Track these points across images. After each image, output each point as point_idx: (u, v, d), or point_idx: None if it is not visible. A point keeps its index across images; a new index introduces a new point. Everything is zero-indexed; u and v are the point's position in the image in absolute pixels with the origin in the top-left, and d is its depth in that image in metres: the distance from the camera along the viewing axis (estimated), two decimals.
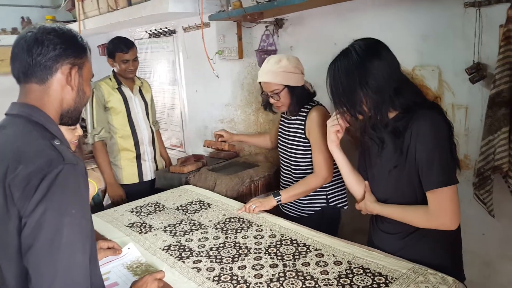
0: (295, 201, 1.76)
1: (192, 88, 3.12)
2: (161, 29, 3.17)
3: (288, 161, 1.80)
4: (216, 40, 2.66)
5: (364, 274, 1.17)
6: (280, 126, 1.85)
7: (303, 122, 1.70)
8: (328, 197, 1.75)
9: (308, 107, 1.71)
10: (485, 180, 1.48)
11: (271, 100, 1.69)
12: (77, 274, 0.76)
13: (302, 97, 1.69)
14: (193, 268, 1.29)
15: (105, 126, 2.29)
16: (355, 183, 1.35)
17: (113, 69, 2.33)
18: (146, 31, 3.39)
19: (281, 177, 1.90)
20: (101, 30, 3.46)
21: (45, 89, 0.87)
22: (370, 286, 1.11)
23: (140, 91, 2.42)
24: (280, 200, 1.68)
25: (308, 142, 1.70)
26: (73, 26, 3.48)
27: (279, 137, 1.85)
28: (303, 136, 1.71)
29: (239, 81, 2.65)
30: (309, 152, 1.72)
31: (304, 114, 1.71)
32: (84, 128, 3.58)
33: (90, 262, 0.80)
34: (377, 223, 1.34)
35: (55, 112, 0.89)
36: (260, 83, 1.71)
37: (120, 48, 2.21)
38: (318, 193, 1.73)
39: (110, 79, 2.32)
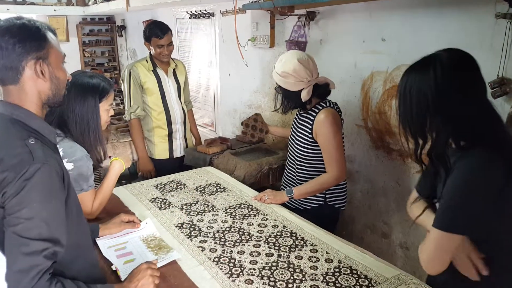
0: None
1: (226, 71, 3.22)
2: (200, 11, 3.25)
3: (293, 157, 1.84)
4: (250, 27, 2.71)
5: (350, 274, 1.25)
6: (294, 120, 1.88)
7: (311, 122, 1.72)
8: (326, 196, 1.80)
9: (319, 107, 1.72)
10: None
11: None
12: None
13: (292, 102, 1.72)
14: (198, 247, 1.42)
15: (141, 105, 2.46)
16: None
17: (150, 52, 2.47)
18: (187, 12, 3.49)
19: (284, 172, 1.94)
20: (146, 7, 3.61)
21: (20, 87, 0.92)
22: (352, 287, 1.19)
23: (175, 73, 2.54)
24: (293, 197, 1.75)
25: (315, 143, 1.73)
26: (120, 2, 3.67)
27: (291, 131, 1.88)
28: (310, 136, 1.73)
29: (269, 69, 2.69)
30: (315, 153, 1.75)
31: (314, 114, 1.72)
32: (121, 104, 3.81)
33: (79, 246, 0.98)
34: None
35: (36, 106, 0.94)
36: None
37: (155, 33, 2.33)
38: None
39: (146, 60, 2.46)
